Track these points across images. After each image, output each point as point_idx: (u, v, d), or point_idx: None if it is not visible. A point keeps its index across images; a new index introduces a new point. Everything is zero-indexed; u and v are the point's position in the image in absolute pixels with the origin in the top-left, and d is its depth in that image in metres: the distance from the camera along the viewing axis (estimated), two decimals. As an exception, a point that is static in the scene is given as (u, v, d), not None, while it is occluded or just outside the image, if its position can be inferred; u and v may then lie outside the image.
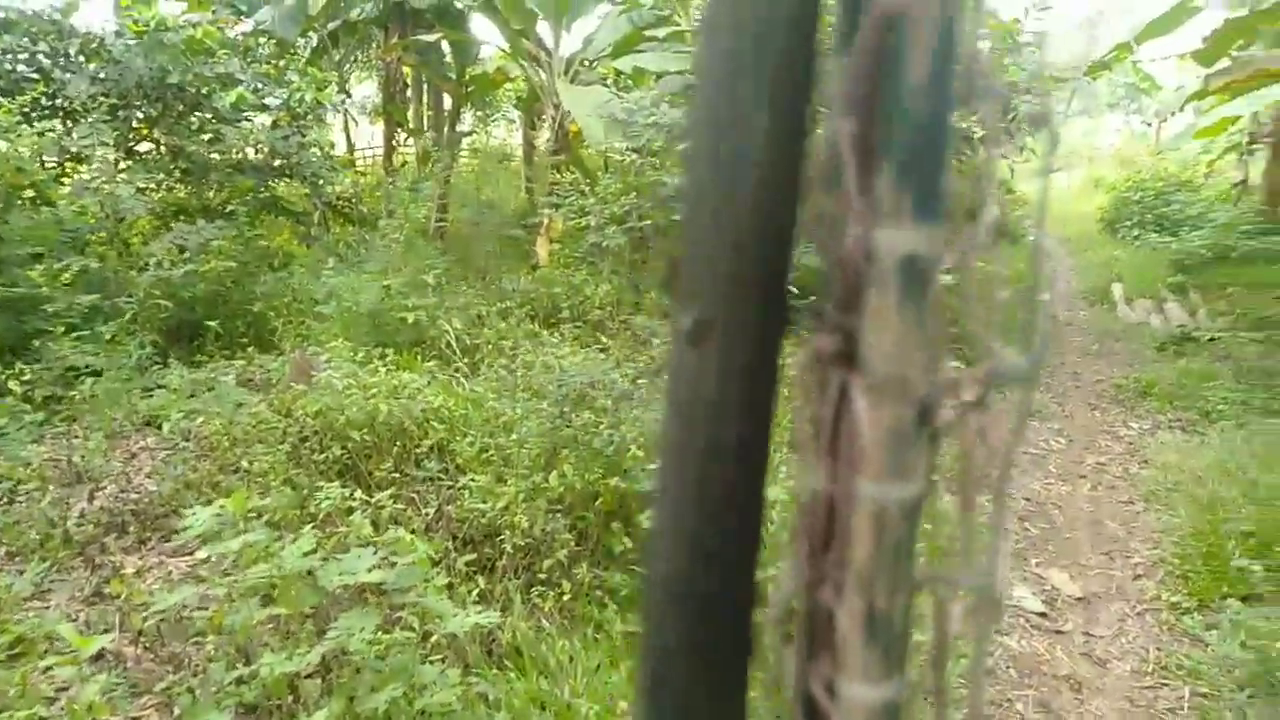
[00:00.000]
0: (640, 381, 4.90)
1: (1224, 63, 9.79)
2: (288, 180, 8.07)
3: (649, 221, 7.84)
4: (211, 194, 7.39)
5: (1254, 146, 12.55)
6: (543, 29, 9.87)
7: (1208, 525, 4.38)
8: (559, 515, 3.59)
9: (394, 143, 11.72)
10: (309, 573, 2.62)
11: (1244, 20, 8.36)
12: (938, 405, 0.30)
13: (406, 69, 11.39)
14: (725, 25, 0.34)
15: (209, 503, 3.30)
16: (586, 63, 10.22)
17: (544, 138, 10.71)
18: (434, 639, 2.86)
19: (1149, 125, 19.09)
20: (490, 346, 5.79)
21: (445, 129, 11.76)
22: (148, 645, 3.05)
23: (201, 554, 3.48)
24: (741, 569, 0.36)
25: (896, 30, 0.32)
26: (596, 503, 3.69)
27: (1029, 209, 13.83)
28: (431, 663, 2.70)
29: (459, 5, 10.46)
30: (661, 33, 9.53)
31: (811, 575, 0.32)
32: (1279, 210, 12.00)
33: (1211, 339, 7.85)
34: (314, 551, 2.78)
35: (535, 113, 12.45)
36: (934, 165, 0.30)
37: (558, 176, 9.12)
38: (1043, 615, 3.88)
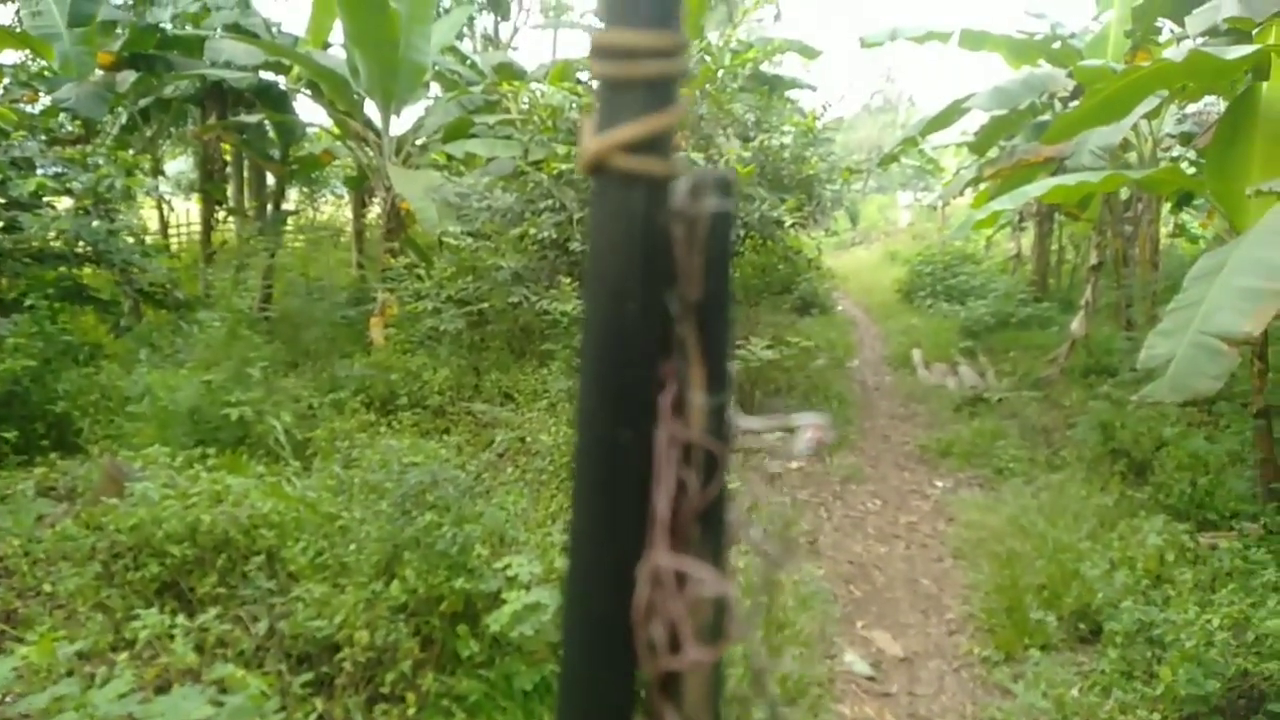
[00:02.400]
0: (483, 476, 4.90)
1: (994, 152, 11.10)
2: (95, 267, 7.55)
3: (487, 304, 7.90)
4: (5, 284, 6.81)
5: (1023, 224, 14.18)
6: (371, 111, 9.84)
7: (1007, 579, 4.83)
8: (401, 623, 3.52)
9: (212, 222, 11.21)
10: (128, 718, 2.45)
11: (1005, 117, 9.55)
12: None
13: (226, 147, 10.99)
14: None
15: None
16: (417, 145, 10.25)
17: (375, 217, 10.57)
18: (270, 776, 2.73)
19: (936, 205, 21.13)
20: (323, 442, 5.61)
21: (269, 207, 11.39)
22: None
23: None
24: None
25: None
26: (441, 606, 3.64)
27: (836, 282, 14.93)
28: (269, 801, 2.58)
29: (282, 86, 10.26)
30: (491, 119, 9.73)
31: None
32: (1047, 280, 13.56)
33: (999, 399, 8.71)
34: (131, 692, 2.60)
35: (365, 192, 12.30)
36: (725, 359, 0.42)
37: (390, 259, 9.02)
38: (871, 679, 4.14)
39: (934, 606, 4.94)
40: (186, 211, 13.64)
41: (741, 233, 7.92)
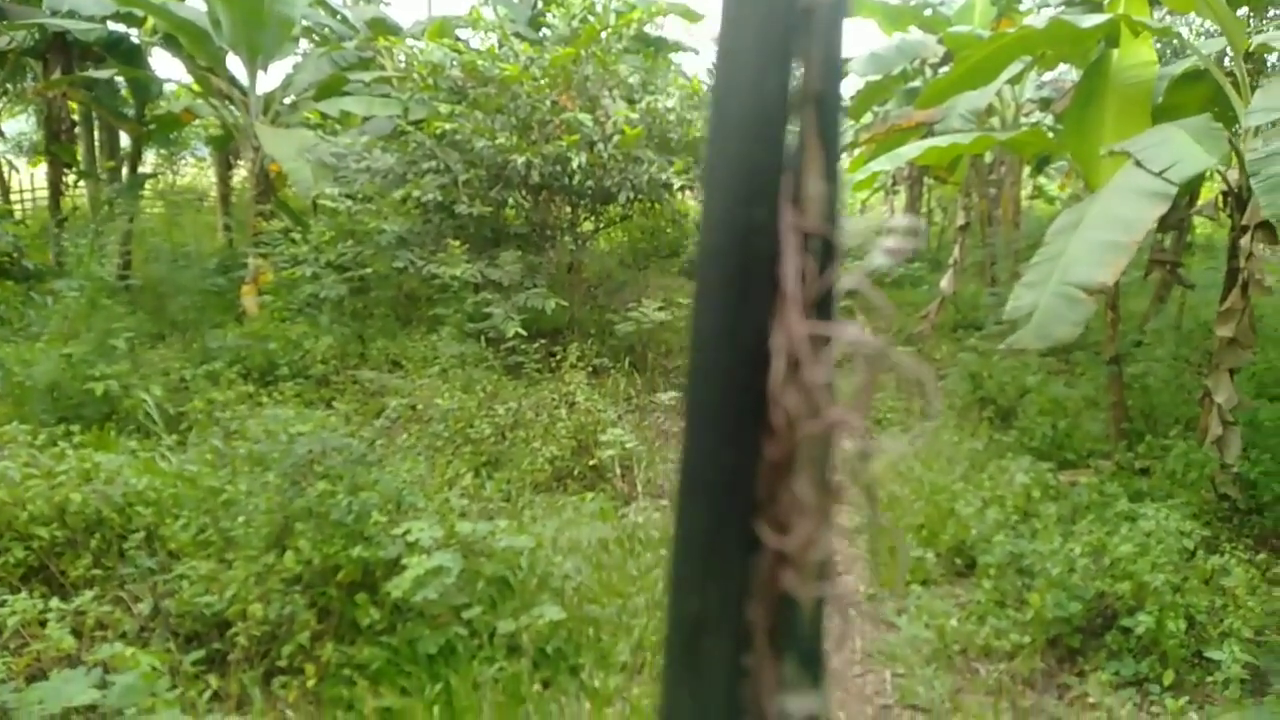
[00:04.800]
0: (376, 443, 4.77)
1: (869, 117, 11.47)
2: (-75, 236, 6.89)
3: (370, 269, 7.64)
4: None
5: (895, 188, 14.75)
6: (235, 67, 9.28)
7: (890, 521, 5.09)
8: (297, 595, 3.42)
9: (61, 186, 10.37)
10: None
11: (880, 83, 9.88)
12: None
13: (73, 105, 10.15)
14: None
15: None
16: (287, 103, 9.74)
17: (242, 180, 10.02)
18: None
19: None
20: (200, 415, 5.33)
21: (124, 170, 10.61)
22: None
23: None
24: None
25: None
26: (338, 576, 3.55)
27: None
28: (164, 782, 2.47)
29: (134, 39, 9.53)
30: (367, 76, 9.34)
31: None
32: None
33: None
34: (3, 681, 2.44)
35: (231, 153, 11.64)
36: (819, 656, 0.42)
37: (262, 223, 8.59)
38: (767, 623, 4.30)
39: (823, 552, 5.15)
40: (31, 175, 12.57)
41: (630, 195, 7.92)
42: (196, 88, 9.66)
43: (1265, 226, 5.03)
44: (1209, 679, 3.62)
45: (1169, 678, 3.63)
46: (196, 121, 11.69)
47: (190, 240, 10.41)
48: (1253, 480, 5.18)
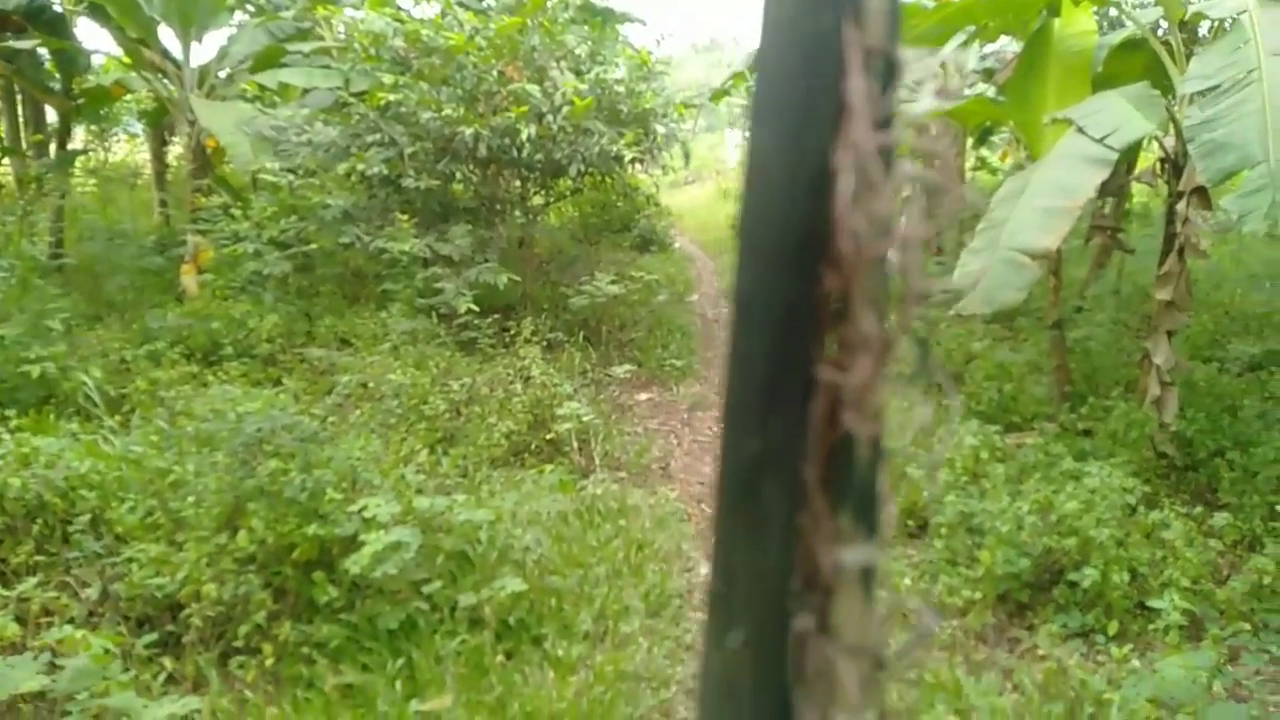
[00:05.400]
0: (329, 420, 4.69)
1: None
2: None
3: (315, 245, 7.47)
4: None
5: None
6: (167, 38, 8.94)
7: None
8: (252, 574, 3.36)
9: (-17, 163, 9.92)
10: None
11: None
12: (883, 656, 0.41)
13: (-8, 77, 9.70)
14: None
15: None
16: (223, 76, 9.43)
17: (179, 156, 9.69)
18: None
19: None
20: (143, 395, 5.18)
21: (52, 147, 10.18)
22: None
23: None
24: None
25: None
26: (294, 555, 3.49)
27: (673, 219, 15.16)
28: (121, 766, 2.42)
29: (57, 8, 9.12)
30: (306, 47, 9.08)
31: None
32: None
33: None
34: (-53, 669, 2.36)
35: (165, 128, 11.25)
36: (875, 505, 0.40)
37: (201, 199, 8.33)
38: (726, 589, 4.35)
39: (779, 518, 5.22)
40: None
41: (581, 168, 7.85)
42: (127, 60, 9.29)
43: (1200, 192, 5.18)
44: (1151, 627, 3.77)
45: (1113, 628, 3.76)
46: (128, 96, 11.27)
47: (125, 219, 10.07)
48: (1189, 438, 5.37)
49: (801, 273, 0.36)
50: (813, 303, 0.36)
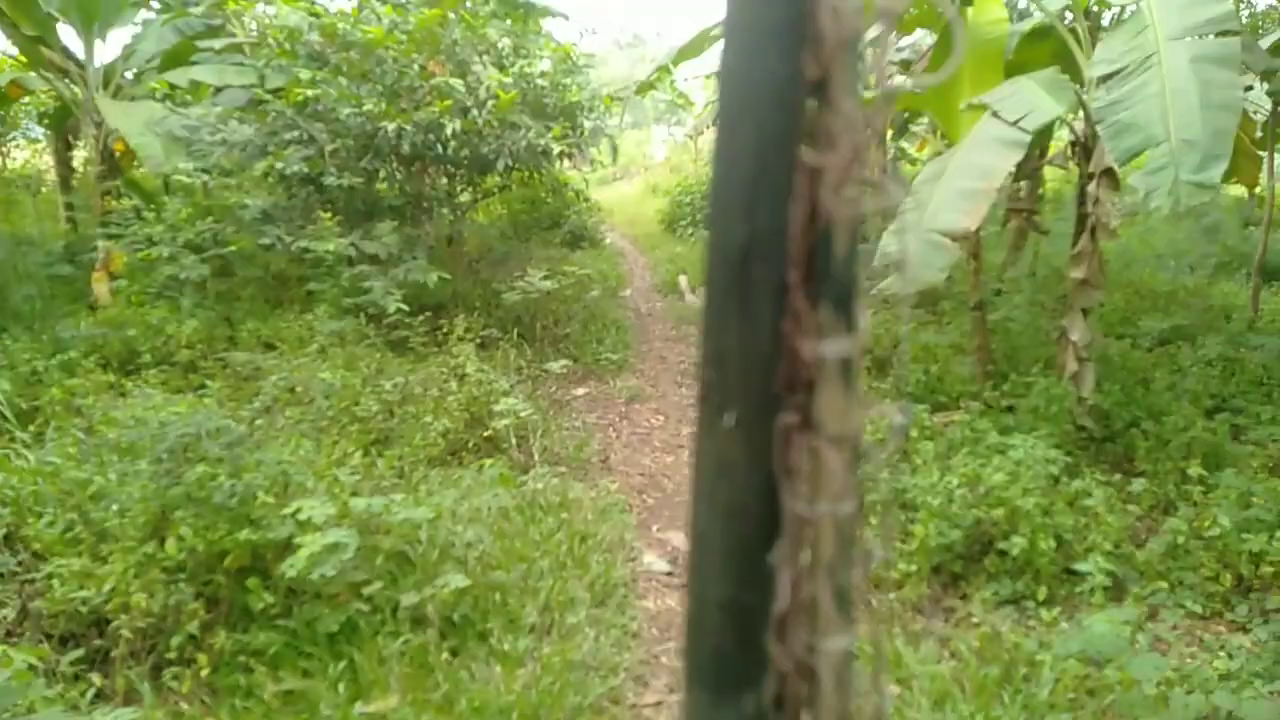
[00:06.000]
0: (258, 423, 4.56)
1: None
2: None
3: (233, 247, 7.24)
4: None
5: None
6: (68, 36, 8.56)
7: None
8: (182, 584, 3.24)
9: None
10: None
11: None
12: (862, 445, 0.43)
13: (-127, 79, 9.13)
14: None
15: None
16: (129, 75, 9.07)
17: (85, 159, 9.28)
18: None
19: (691, 135, 21.90)
20: (57, 406, 4.95)
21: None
22: None
23: None
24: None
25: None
26: (225, 561, 3.38)
27: (602, 215, 15.16)
28: (49, 788, 2.31)
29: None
30: (217, 44, 8.78)
31: (796, 570, 0.42)
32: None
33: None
34: None
35: (69, 131, 10.76)
36: (853, 298, 0.41)
37: (111, 203, 7.99)
38: (669, 574, 4.37)
39: (719, 504, 5.27)
40: None
41: (508, 162, 7.78)
42: (24, 59, 8.86)
43: (1109, 173, 5.41)
44: (1077, 591, 3.92)
45: (1042, 593, 3.90)
46: (26, 98, 10.75)
47: (30, 226, 9.60)
48: (1106, 411, 5.61)
49: (784, 54, 0.37)
50: (797, 88, 0.37)
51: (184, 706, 2.92)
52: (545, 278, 7.60)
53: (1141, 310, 7.93)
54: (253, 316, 7.03)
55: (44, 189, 12.03)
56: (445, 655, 3.32)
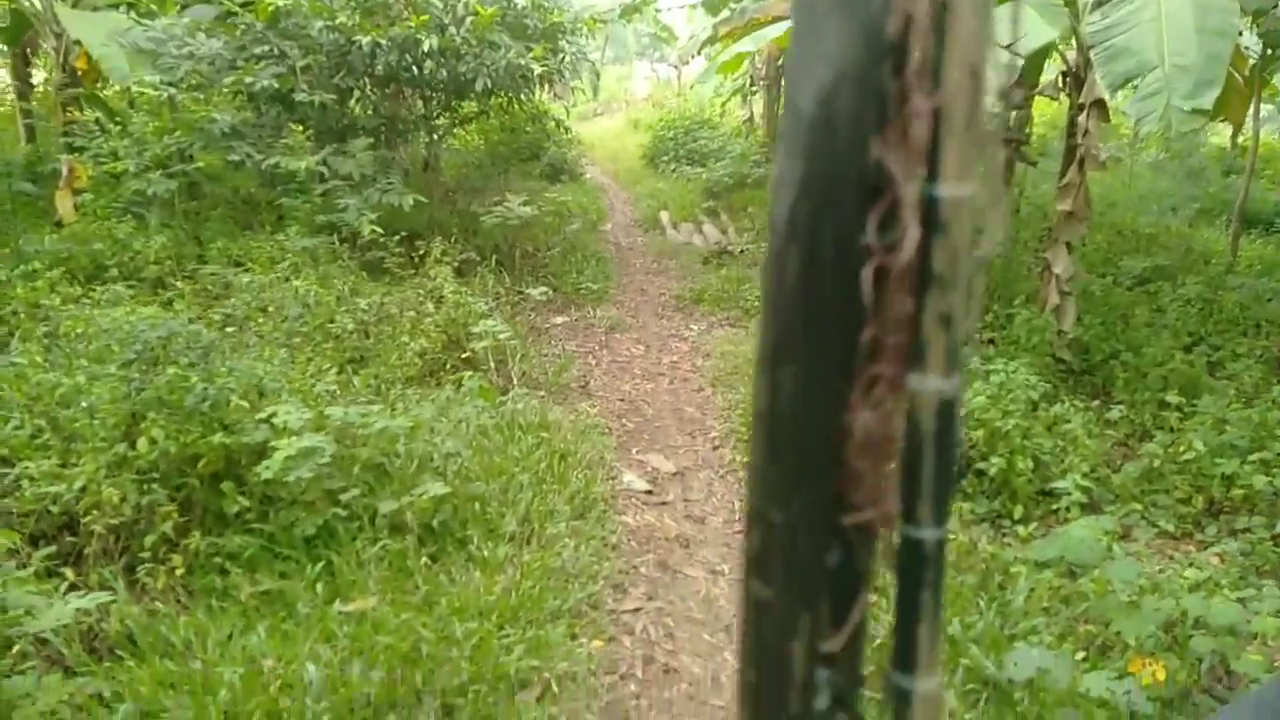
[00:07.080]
0: (229, 330, 4.45)
1: (726, 13, 11.37)
2: None
3: (200, 164, 7.02)
4: None
5: (753, 89, 14.82)
6: (23, -61, 8.14)
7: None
8: (155, 485, 3.17)
9: None
10: None
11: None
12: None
13: None
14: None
15: None
16: (91, -17, 8.67)
17: (45, 74, 8.91)
18: (16, 648, 2.39)
19: (674, 69, 21.52)
20: (21, 314, 4.80)
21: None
22: None
23: None
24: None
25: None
26: (199, 465, 3.31)
27: (583, 149, 14.90)
28: (21, 673, 2.26)
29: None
30: (185, -48, 8.40)
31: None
32: (776, 141, 14.39)
33: (742, 251, 9.27)
34: None
35: (27, 45, 10.31)
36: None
37: (75, 116, 7.69)
38: (649, 493, 4.37)
39: (699, 428, 5.27)
40: None
41: (487, 84, 7.55)
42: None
43: (1099, 104, 5.36)
44: (1053, 509, 3.97)
45: (1019, 511, 3.95)
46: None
47: (-14, 142, 9.24)
48: (1086, 343, 5.64)
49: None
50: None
51: (159, 605, 2.88)
52: (525, 204, 7.46)
53: (1124, 250, 7.96)
54: (223, 235, 6.84)
55: (2, 109, 11.56)
56: (424, 560, 3.29)
